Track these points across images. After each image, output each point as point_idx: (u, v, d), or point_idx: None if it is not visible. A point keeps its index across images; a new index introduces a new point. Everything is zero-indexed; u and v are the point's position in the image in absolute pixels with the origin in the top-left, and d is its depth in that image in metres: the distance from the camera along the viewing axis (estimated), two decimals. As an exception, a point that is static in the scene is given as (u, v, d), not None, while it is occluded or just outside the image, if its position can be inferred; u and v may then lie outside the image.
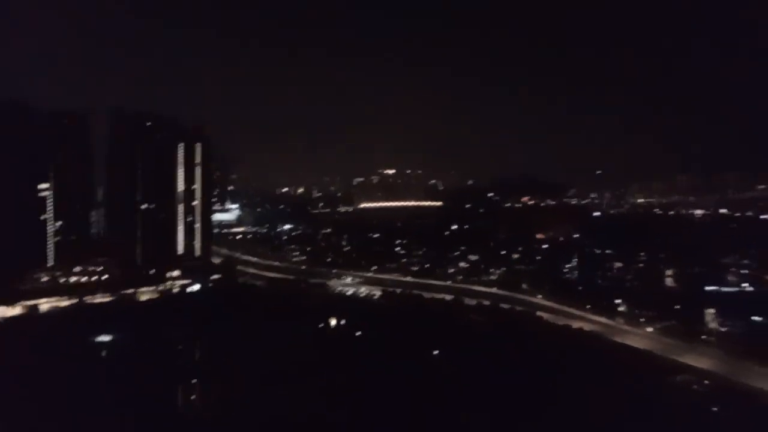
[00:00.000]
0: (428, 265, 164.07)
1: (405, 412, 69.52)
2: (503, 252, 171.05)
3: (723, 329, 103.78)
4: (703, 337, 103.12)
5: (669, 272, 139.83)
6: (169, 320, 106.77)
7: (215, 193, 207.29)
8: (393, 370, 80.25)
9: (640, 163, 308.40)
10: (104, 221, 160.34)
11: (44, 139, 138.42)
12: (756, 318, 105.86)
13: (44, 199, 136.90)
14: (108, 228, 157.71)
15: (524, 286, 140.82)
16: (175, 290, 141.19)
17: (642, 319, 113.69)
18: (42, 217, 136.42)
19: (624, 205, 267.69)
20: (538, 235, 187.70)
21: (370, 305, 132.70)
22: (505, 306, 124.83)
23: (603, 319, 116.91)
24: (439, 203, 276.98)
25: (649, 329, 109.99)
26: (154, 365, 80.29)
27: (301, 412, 68.68)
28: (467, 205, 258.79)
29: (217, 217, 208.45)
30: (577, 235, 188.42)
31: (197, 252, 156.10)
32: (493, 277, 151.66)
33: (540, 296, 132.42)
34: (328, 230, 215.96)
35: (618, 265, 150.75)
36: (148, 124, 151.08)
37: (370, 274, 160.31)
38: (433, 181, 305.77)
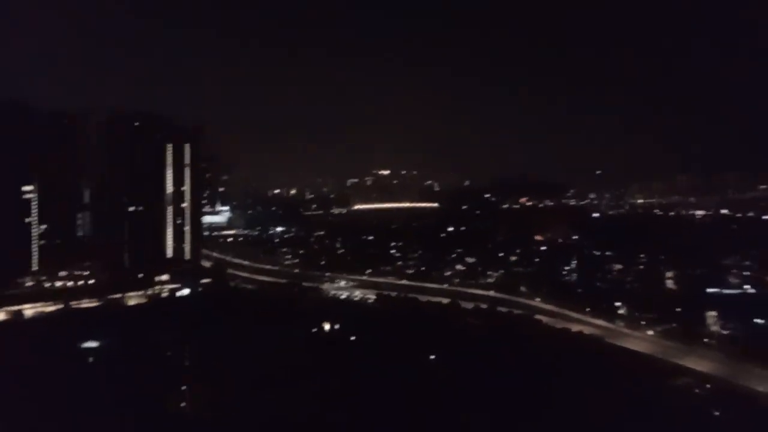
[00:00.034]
0: (424, 268, 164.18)
1: (401, 415, 69.55)
2: (501, 254, 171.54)
3: (724, 332, 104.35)
4: (705, 339, 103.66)
5: (669, 274, 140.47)
6: (157, 325, 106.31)
7: (205, 194, 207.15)
8: (388, 374, 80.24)
9: (639, 163, 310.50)
10: (91, 224, 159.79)
11: (28, 140, 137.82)
12: (758, 320, 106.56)
13: (28, 201, 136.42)
14: (95, 231, 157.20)
15: (522, 288, 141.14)
16: (164, 295, 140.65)
17: (642, 322, 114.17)
18: (26, 220, 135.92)
19: (624, 206, 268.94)
20: (537, 237, 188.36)
21: (365, 309, 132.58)
22: (502, 309, 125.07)
23: (603, 322, 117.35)
24: (435, 204, 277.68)
25: (650, 332, 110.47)
26: (143, 372, 79.93)
27: (295, 419, 68.59)
28: (464, 207, 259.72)
29: (208, 219, 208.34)
30: (576, 237, 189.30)
31: (187, 255, 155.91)
32: (490, 280, 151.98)
33: (538, 299, 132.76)
34: (322, 232, 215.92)
35: (618, 267, 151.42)
36: (136, 124, 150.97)
37: (364, 278, 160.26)
38: (429, 182, 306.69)
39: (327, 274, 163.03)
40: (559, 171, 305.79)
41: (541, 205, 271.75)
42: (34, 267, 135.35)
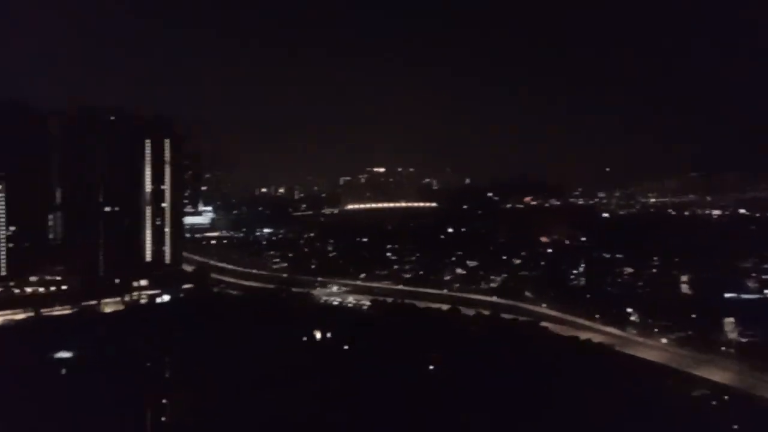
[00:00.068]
0: (422, 272, 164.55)
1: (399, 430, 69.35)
2: (504, 257, 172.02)
3: (743, 339, 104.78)
4: (722, 348, 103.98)
5: (684, 278, 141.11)
6: (136, 334, 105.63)
7: (187, 194, 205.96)
8: (384, 385, 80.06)
9: (651, 159, 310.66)
10: (63, 226, 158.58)
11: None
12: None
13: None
14: (67, 233, 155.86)
15: (527, 294, 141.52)
16: (143, 301, 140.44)
17: (655, 330, 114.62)
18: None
19: (635, 205, 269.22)
20: (542, 239, 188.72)
21: (359, 316, 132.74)
22: (506, 316, 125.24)
23: (613, 330, 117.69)
24: (433, 204, 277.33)
25: (663, 340, 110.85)
26: (120, 384, 79.47)
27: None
28: (464, 206, 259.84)
29: (189, 220, 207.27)
30: (584, 238, 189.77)
31: (167, 259, 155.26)
32: (493, 285, 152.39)
33: (544, 305, 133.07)
34: (312, 234, 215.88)
35: (629, 270, 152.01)
36: (111, 118, 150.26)
37: (358, 282, 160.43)
38: (427, 180, 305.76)
39: (318, 278, 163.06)
40: (564, 168, 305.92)
41: (546, 205, 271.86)
42: (2, 272, 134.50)
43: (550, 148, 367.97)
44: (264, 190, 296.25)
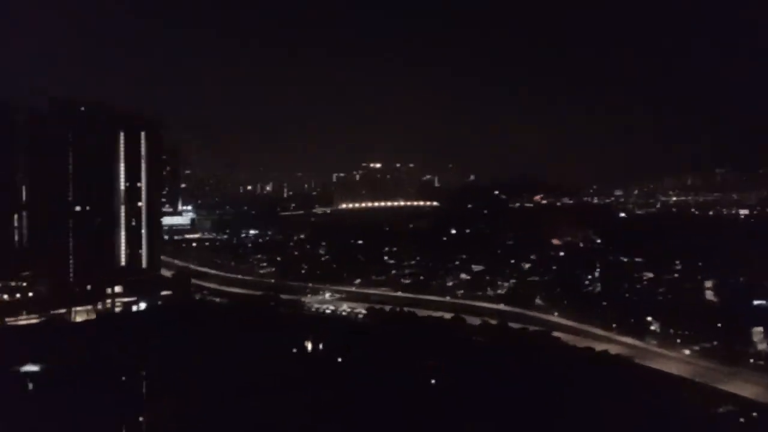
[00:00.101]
0: (423, 278, 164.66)
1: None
2: (512, 261, 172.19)
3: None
4: (750, 360, 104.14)
5: (709, 284, 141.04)
6: (109, 346, 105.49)
7: (165, 192, 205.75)
8: (381, 400, 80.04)
9: (673, 154, 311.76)
10: (29, 227, 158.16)
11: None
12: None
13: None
14: (34, 235, 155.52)
15: (538, 301, 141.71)
16: (117, 309, 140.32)
17: (677, 340, 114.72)
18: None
19: (654, 204, 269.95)
20: (554, 241, 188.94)
21: (354, 325, 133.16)
22: (515, 326, 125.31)
23: (631, 340, 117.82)
24: (434, 203, 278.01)
25: (686, 351, 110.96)
26: (92, 399, 79.29)
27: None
28: (468, 205, 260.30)
29: (168, 220, 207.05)
30: (600, 241, 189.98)
31: (144, 263, 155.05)
32: (500, 291, 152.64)
33: (556, 313, 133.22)
34: (302, 236, 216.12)
35: (648, 275, 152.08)
36: (82, 109, 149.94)
37: (352, 289, 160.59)
38: (428, 177, 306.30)
39: (309, 284, 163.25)
40: (578, 164, 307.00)
41: (558, 204, 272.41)
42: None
43: (562, 143, 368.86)
44: (250, 187, 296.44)
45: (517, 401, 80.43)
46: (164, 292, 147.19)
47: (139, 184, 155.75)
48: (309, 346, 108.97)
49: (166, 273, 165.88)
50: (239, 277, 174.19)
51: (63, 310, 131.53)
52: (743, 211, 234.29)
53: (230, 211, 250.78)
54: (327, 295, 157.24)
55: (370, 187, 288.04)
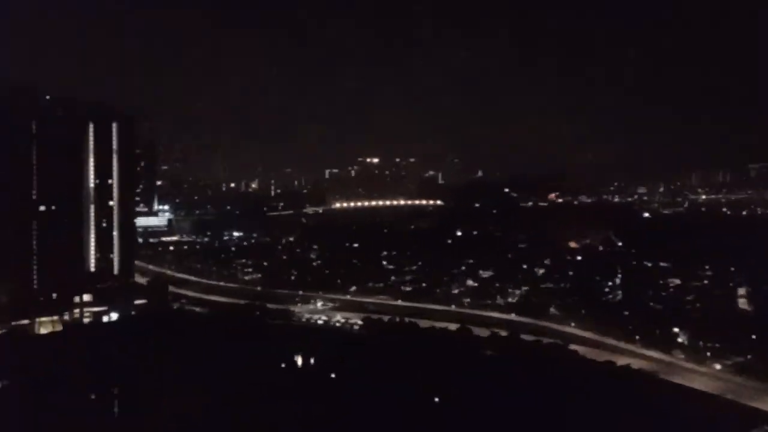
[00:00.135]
0: (425, 284, 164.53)
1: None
2: (524, 266, 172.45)
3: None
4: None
5: (742, 291, 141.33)
6: (77, 360, 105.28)
7: (139, 190, 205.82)
8: (379, 421, 79.98)
9: (702, 148, 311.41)
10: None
11: None
12: None
13: None
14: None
15: (553, 311, 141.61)
16: (86, 320, 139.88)
17: (707, 353, 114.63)
18: None
19: (682, 203, 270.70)
20: (571, 244, 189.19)
21: (349, 337, 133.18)
22: (527, 338, 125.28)
23: (656, 354, 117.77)
24: (438, 202, 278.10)
25: (717, 366, 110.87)
26: (58, 419, 79.23)
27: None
28: (476, 204, 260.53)
29: (143, 221, 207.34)
30: (621, 243, 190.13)
31: (115, 269, 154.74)
32: (511, 300, 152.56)
33: (573, 324, 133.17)
34: (291, 238, 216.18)
35: (675, 282, 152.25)
36: (47, 98, 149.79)
37: (347, 297, 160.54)
38: (431, 173, 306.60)
39: (299, 292, 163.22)
40: (598, 159, 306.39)
41: (575, 203, 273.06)
42: None
43: (580, 135, 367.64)
44: (233, 185, 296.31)
45: (529, 421, 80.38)
46: (138, 301, 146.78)
47: (110, 182, 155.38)
48: (299, 360, 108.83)
49: (141, 280, 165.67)
50: (221, 284, 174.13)
51: (26, 321, 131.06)
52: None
53: (211, 211, 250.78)
54: (319, 304, 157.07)
55: (366, 184, 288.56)
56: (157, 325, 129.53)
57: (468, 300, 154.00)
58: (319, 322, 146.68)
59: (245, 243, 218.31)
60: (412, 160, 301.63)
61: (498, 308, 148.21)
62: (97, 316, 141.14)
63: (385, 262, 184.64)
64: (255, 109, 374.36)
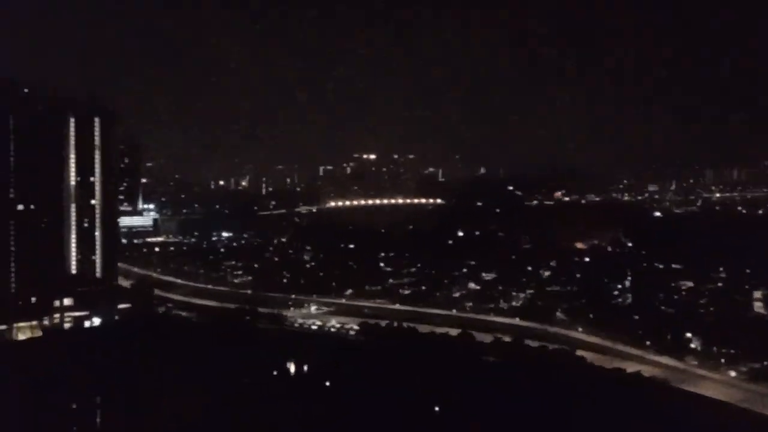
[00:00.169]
0: (425, 288, 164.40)
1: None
2: (529, 268, 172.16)
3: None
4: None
5: (758, 294, 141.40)
6: (57, 367, 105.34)
7: (123, 187, 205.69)
8: (376, 428, 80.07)
9: (716, 144, 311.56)
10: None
11: None
12: None
13: None
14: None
15: (559, 315, 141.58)
16: (67, 325, 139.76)
17: (721, 360, 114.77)
18: None
19: (695, 202, 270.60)
20: (578, 245, 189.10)
21: (344, 343, 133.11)
22: (532, 343, 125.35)
23: (668, 360, 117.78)
24: (438, 200, 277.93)
25: (732, 373, 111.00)
26: (37, 429, 79.21)
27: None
28: (478, 203, 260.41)
29: (127, 221, 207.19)
30: (631, 244, 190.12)
31: (98, 271, 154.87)
32: (515, 304, 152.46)
33: (581, 329, 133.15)
34: (284, 239, 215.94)
35: (687, 285, 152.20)
36: (25, 90, 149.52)
37: (343, 301, 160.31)
38: (431, 170, 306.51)
39: (292, 296, 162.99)
40: (606, 155, 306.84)
41: (582, 201, 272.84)
42: None
43: (587, 131, 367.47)
44: (222, 182, 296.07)
45: (534, 430, 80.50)
46: (122, 305, 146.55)
47: (92, 179, 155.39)
48: (292, 367, 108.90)
49: (125, 283, 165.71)
50: (210, 287, 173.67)
51: (2, 327, 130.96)
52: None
53: (199, 211, 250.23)
54: (313, 309, 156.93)
55: (363, 182, 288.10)
56: (142, 330, 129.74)
57: (470, 304, 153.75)
58: (313, 327, 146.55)
59: (235, 244, 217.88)
60: (410, 156, 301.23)
61: (501, 312, 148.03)
62: (79, 321, 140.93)
63: (382, 264, 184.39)
64: (245, 103, 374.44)
